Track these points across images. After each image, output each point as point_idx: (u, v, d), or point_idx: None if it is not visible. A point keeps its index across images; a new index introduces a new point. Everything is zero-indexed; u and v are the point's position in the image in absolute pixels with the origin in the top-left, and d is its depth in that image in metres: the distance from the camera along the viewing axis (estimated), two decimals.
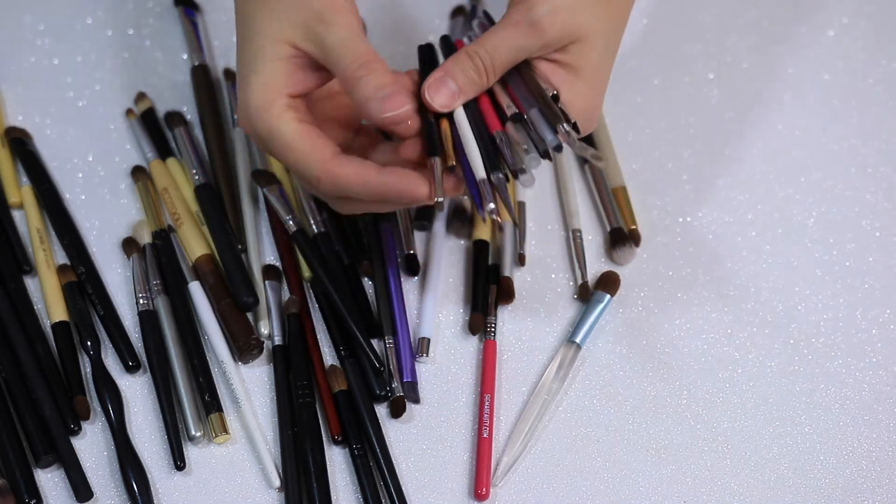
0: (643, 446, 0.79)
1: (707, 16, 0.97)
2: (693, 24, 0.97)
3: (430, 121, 0.73)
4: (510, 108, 0.73)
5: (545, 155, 0.72)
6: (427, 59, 0.77)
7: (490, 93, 0.75)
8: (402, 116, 0.72)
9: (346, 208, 0.76)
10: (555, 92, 0.73)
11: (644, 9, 0.97)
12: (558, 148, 0.71)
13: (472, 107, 0.74)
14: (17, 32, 0.93)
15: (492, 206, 0.70)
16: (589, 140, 0.89)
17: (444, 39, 0.78)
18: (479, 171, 0.72)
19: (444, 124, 0.73)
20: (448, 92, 0.73)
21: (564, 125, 0.71)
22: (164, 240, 0.83)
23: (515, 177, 0.71)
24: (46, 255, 0.82)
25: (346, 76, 0.71)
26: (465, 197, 0.86)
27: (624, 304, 0.84)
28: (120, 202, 0.86)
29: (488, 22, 0.79)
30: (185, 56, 0.92)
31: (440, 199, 0.71)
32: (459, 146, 0.73)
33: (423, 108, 0.74)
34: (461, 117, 0.74)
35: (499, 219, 0.72)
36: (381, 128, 0.75)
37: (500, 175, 0.71)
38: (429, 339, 0.81)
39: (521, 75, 0.74)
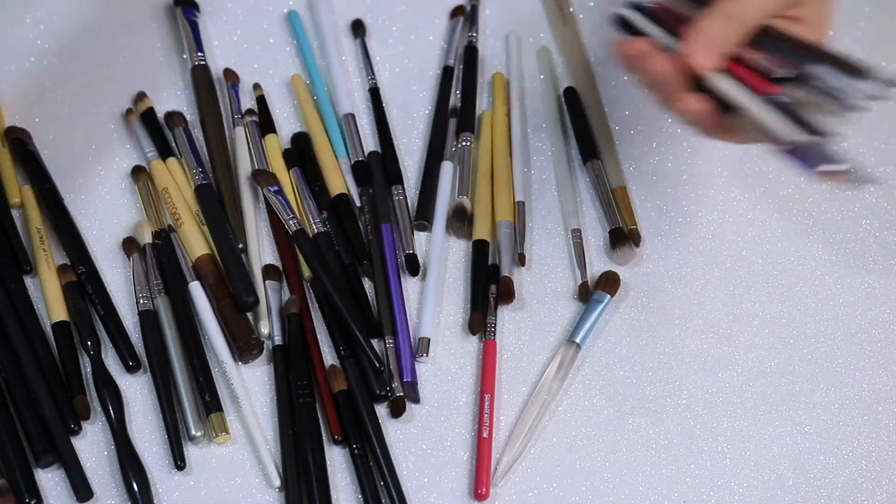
0: (643, 446, 0.79)
1: None
2: None
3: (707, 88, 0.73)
4: (777, 71, 0.72)
5: (873, 94, 0.70)
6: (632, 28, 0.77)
7: (742, 62, 0.74)
8: None
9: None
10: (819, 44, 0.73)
11: None
12: (873, 96, 0.70)
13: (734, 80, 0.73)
14: (17, 32, 0.93)
15: (828, 167, 0.68)
16: (590, 140, 0.89)
17: (636, 6, 0.78)
18: (789, 131, 0.70)
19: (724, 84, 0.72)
20: (709, 51, 0.72)
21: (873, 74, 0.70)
22: (164, 240, 0.83)
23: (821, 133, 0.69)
24: (46, 255, 0.82)
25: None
26: (465, 196, 0.86)
27: (624, 304, 0.84)
28: (120, 202, 0.86)
29: None
30: (185, 56, 0.92)
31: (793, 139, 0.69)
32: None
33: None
34: (725, 81, 0.73)
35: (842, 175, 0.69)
36: None
37: (817, 134, 0.69)
38: (429, 339, 0.81)
39: (769, 35, 0.73)
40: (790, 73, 0.72)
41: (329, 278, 0.80)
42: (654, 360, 0.82)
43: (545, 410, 0.79)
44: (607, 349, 0.82)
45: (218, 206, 0.84)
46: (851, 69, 0.71)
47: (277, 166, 0.87)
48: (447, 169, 0.87)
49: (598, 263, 0.85)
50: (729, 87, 0.72)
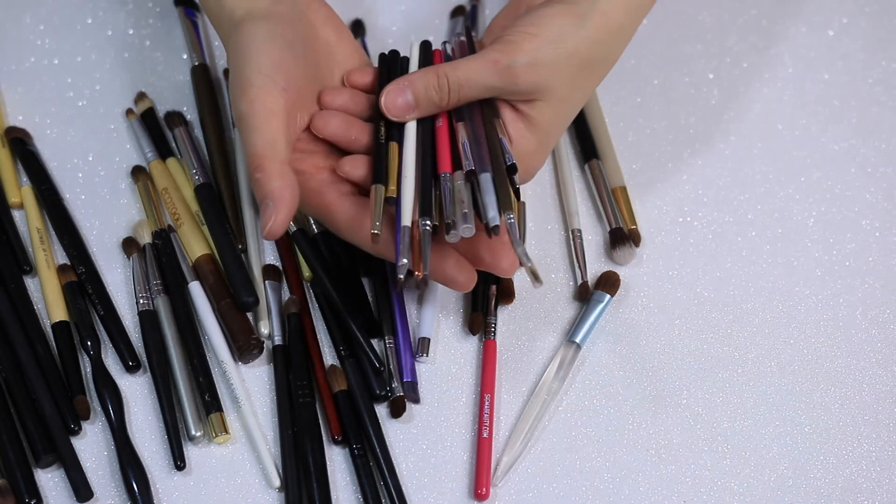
0: (643, 446, 0.79)
1: (707, 16, 0.97)
2: (693, 24, 0.97)
3: (381, 140, 0.73)
4: (466, 159, 0.72)
5: (493, 231, 0.69)
6: (386, 67, 0.78)
7: (451, 126, 0.74)
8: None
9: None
10: (513, 162, 0.72)
11: None
12: (495, 230, 0.69)
13: (428, 136, 0.74)
14: (17, 32, 0.93)
15: (405, 261, 0.68)
16: (590, 140, 0.89)
17: (424, 45, 0.79)
18: (406, 213, 0.70)
19: (394, 148, 0.73)
20: (404, 102, 0.73)
21: (511, 216, 0.69)
22: (164, 240, 0.83)
23: (447, 231, 0.70)
24: (46, 255, 0.82)
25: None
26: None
27: (624, 304, 0.84)
28: (120, 202, 0.86)
29: (467, 40, 0.79)
30: (185, 56, 0.92)
31: (376, 232, 0.69)
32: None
33: (375, 125, 0.74)
34: (410, 143, 0.73)
35: (418, 274, 0.68)
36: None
37: (428, 225, 0.69)
38: (429, 339, 0.81)
39: (481, 114, 0.74)
40: (471, 171, 0.71)
41: (329, 278, 0.80)
42: (654, 360, 0.82)
43: (545, 410, 0.79)
44: (607, 349, 0.82)
45: (218, 206, 0.84)
46: (501, 198, 0.69)
47: None
48: None
49: (598, 263, 0.85)
50: (407, 148, 0.72)
